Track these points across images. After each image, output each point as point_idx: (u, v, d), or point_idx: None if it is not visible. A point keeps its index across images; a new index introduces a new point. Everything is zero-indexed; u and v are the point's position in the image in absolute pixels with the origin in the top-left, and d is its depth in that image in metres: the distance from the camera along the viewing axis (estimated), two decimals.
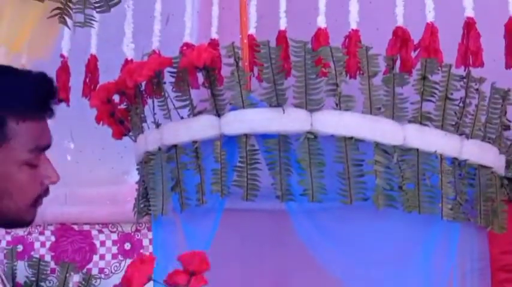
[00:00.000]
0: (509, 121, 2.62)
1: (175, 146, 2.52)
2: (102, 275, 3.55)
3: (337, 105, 2.39)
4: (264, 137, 2.42)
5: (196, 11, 3.15)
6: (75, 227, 3.61)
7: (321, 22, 2.66)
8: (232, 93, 2.43)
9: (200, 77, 2.52)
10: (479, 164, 2.51)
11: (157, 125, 2.57)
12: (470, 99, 2.47)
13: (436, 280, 2.46)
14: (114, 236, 3.58)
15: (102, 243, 3.58)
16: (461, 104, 2.46)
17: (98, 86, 2.84)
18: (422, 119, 2.43)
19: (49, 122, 1.69)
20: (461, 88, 2.46)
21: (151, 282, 2.74)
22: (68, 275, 3.42)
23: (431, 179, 2.42)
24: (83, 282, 3.44)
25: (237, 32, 2.71)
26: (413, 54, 2.59)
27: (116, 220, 3.54)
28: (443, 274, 2.48)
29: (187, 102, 2.50)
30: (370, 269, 2.45)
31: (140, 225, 3.52)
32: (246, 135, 2.42)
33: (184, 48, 2.83)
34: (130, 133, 2.71)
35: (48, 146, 1.67)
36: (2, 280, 1.82)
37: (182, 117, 2.52)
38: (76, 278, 3.47)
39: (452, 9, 2.60)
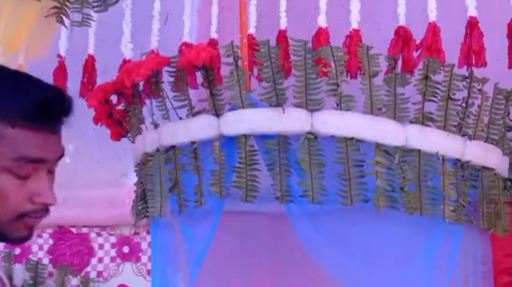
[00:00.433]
0: None
1: (173, 147, 2.49)
2: (101, 279, 3.53)
3: (337, 105, 2.35)
4: (263, 137, 2.38)
5: (195, 10, 3.14)
6: (74, 230, 3.59)
7: (322, 21, 2.64)
8: (231, 93, 2.39)
9: (199, 77, 2.49)
10: (482, 165, 2.47)
11: (156, 126, 2.54)
12: (472, 99, 2.44)
13: (438, 283, 2.42)
14: (113, 239, 3.56)
15: (101, 246, 3.57)
16: (463, 105, 2.43)
17: (96, 86, 2.81)
18: (424, 119, 2.39)
19: None
20: (463, 88, 2.42)
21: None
22: (65, 278, 3.40)
23: (433, 180, 2.38)
24: (81, 285, 3.42)
25: (237, 32, 2.69)
26: (415, 54, 2.57)
27: (114, 223, 3.52)
28: (445, 277, 2.44)
29: (186, 102, 2.47)
30: (371, 272, 2.42)
31: (139, 228, 3.50)
32: (246, 136, 2.38)
33: (183, 48, 2.80)
34: (129, 134, 2.68)
35: (41, 160, 1.61)
36: (2, 280, 1.79)
37: (181, 118, 2.48)
38: (74, 281, 3.46)
39: (455, 9, 2.58)
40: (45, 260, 3.55)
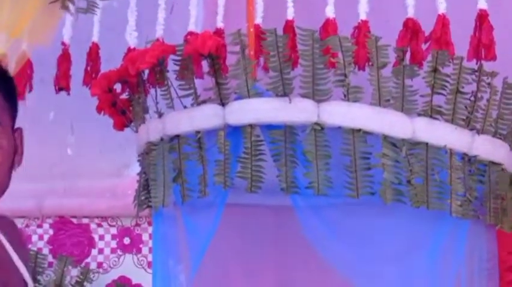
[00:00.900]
0: None
1: (177, 136, 2.46)
2: (101, 270, 3.51)
3: (345, 96, 2.33)
4: (269, 127, 2.35)
5: None
6: (74, 220, 3.57)
7: (330, 12, 2.61)
8: (237, 82, 2.36)
9: (205, 66, 2.46)
10: (490, 160, 2.45)
11: (160, 115, 2.51)
12: (481, 93, 2.41)
13: (443, 278, 2.40)
14: (114, 230, 3.54)
15: (101, 237, 3.55)
16: (472, 98, 2.41)
17: (99, 74, 2.79)
18: (432, 112, 2.37)
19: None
20: (472, 82, 2.40)
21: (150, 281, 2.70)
22: (65, 269, 3.37)
23: (441, 174, 2.36)
24: (81, 276, 3.40)
25: (243, 22, 2.67)
26: (424, 47, 2.54)
27: (115, 214, 3.50)
28: (450, 272, 2.42)
29: (191, 91, 2.44)
30: (376, 266, 2.40)
31: (140, 219, 3.47)
32: (251, 126, 2.35)
33: (189, 37, 2.77)
34: (132, 124, 2.65)
35: None
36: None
37: (185, 107, 2.46)
38: (74, 272, 3.43)
39: (465, 1, 2.55)
40: (45, 250, 3.52)
